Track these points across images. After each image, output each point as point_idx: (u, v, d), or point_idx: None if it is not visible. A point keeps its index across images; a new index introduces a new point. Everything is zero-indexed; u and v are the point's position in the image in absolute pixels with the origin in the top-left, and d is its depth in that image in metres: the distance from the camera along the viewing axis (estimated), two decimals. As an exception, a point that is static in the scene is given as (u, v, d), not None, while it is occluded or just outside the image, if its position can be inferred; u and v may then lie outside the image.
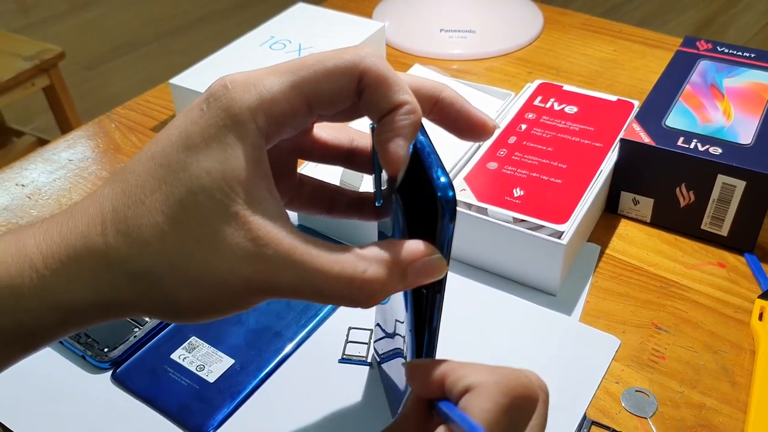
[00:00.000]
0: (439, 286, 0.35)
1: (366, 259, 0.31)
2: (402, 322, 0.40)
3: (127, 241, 0.31)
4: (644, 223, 0.64)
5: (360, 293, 0.31)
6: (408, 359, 0.39)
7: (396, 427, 0.33)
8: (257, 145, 0.31)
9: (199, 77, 0.73)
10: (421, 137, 0.34)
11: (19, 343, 0.33)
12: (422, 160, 0.34)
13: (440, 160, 0.34)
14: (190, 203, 0.30)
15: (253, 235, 0.30)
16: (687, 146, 0.59)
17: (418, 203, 0.35)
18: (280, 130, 0.32)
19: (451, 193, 0.32)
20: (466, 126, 0.35)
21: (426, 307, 0.36)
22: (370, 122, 0.35)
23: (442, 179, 0.32)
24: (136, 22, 2.87)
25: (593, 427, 0.48)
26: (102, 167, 0.73)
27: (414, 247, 0.32)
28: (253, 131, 0.31)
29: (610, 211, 0.65)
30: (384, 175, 0.38)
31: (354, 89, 0.33)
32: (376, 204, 0.41)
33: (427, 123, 0.36)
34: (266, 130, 0.31)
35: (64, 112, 1.77)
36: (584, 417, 0.48)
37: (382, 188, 0.39)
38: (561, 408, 0.49)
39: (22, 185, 0.71)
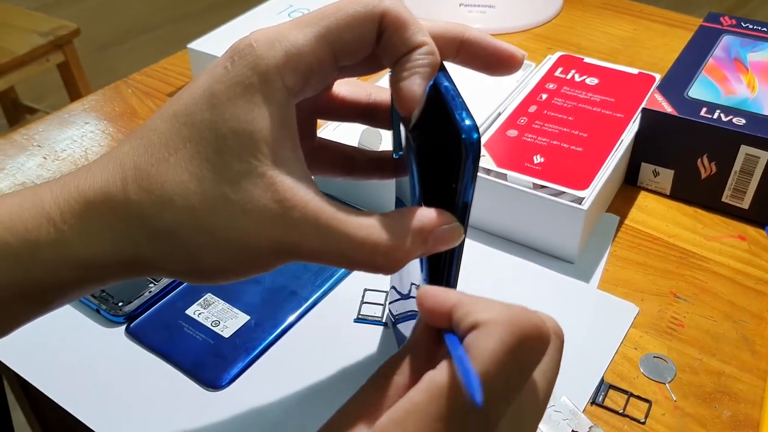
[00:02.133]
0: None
1: (390, 227, 0.31)
2: (417, 285, 0.40)
3: (149, 198, 0.30)
4: (664, 195, 0.63)
5: (384, 260, 0.31)
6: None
7: (404, 353, 0.32)
8: (284, 104, 0.31)
9: (217, 42, 0.73)
10: (446, 83, 0.34)
11: (35, 300, 0.32)
12: (446, 103, 0.33)
13: (466, 104, 0.33)
14: (216, 163, 0.30)
15: (279, 196, 0.30)
16: (710, 116, 0.58)
17: (439, 149, 0.34)
18: (306, 86, 0.32)
19: (476, 135, 0.31)
20: (495, 61, 0.34)
21: (444, 260, 0.35)
22: (390, 72, 0.34)
23: (467, 121, 0.31)
24: (150, 6, 2.88)
25: (611, 391, 0.47)
26: (118, 130, 0.73)
27: (435, 215, 0.32)
28: (280, 89, 0.30)
29: (629, 183, 0.64)
30: (404, 130, 0.37)
31: (375, 33, 0.32)
32: (394, 156, 0.40)
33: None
34: (293, 87, 0.31)
35: (78, 89, 1.78)
36: (602, 381, 0.48)
37: (402, 142, 0.38)
38: (579, 371, 0.48)
39: (39, 146, 0.71)
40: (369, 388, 0.30)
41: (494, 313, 0.28)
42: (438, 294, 0.30)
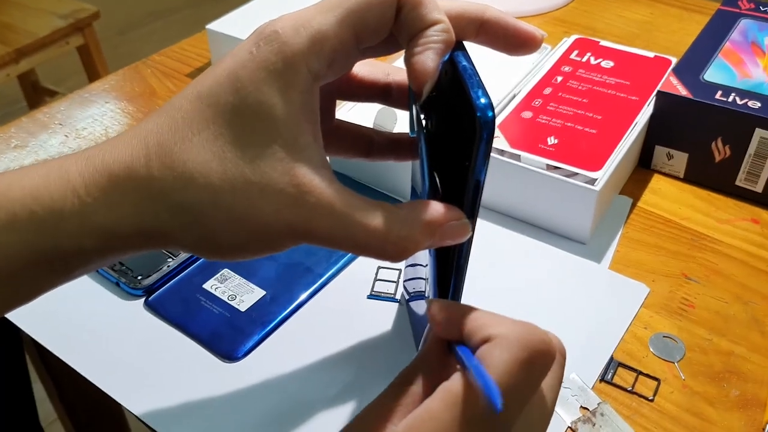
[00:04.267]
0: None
1: (401, 217, 0.32)
2: (425, 266, 0.40)
3: (172, 175, 0.31)
4: (677, 178, 0.63)
5: (393, 249, 0.32)
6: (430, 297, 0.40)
7: (417, 363, 0.34)
8: (308, 90, 0.31)
9: (236, 23, 0.74)
10: (464, 62, 0.34)
11: (57, 268, 0.33)
12: (463, 81, 0.33)
13: (482, 83, 0.33)
14: (238, 145, 0.31)
15: (297, 181, 0.31)
16: (725, 99, 0.58)
17: (455, 128, 0.35)
18: (330, 70, 0.32)
19: (490, 114, 0.31)
20: (515, 41, 0.35)
21: (453, 252, 0.36)
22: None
23: (483, 99, 0.31)
24: (169, -11, 2.88)
25: (620, 369, 0.48)
26: (138, 109, 0.74)
27: (445, 210, 0.33)
28: (304, 75, 0.31)
29: (643, 167, 0.65)
30: (416, 108, 0.38)
31: (394, 12, 0.33)
32: (411, 135, 0.41)
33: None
34: (318, 72, 0.32)
35: (98, 72, 1.79)
36: (611, 359, 0.48)
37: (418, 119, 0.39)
38: (589, 349, 0.49)
39: (60, 124, 0.72)
40: (386, 395, 0.32)
41: (506, 328, 0.30)
42: (450, 308, 0.33)
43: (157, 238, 0.32)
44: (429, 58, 0.32)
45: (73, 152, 0.33)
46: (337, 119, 0.41)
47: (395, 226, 0.32)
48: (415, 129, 0.38)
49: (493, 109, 0.31)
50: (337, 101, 0.41)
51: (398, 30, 0.33)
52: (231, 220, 0.31)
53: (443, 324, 0.33)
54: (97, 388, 0.47)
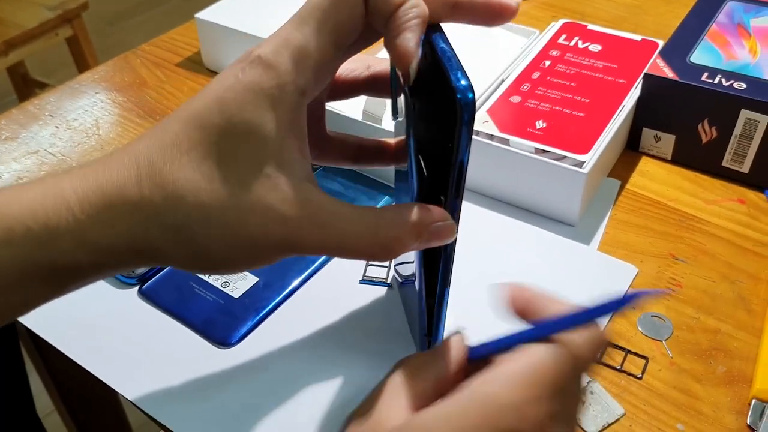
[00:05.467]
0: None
1: (387, 219, 0.33)
2: (411, 262, 0.41)
3: (162, 194, 0.32)
4: (665, 160, 0.64)
5: (381, 251, 0.33)
6: (416, 284, 0.40)
7: (430, 363, 0.35)
8: (295, 108, 0.32)
9: (225, 12, 0.74)
10: (442, 44, 0.34)
11: (52, 282, 0.34)
12: (442, 64, 0.33)
13: (461, 64, 0.33)
14: (226, 164, 0.32)
15: (284, 197, 0.32)
16: (711, 81, 0.59)
17: (437, 111, 0.35)
18: (317, 83, 0.33)
19: (471, 95, 0.32)
20: (490, 14, 0.35)
21: (438, 255, 0.37)
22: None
23: (462, 81, 0.32)
24: (158, -22, 2.86)
25: (609, 348, 0.48)
26: (128, 99, 0.74)
27: (431, 211, 0.34)
28: (291, 93, 0.32)
29: (631, 149, 0.65)
30: (403, 94, 0.38)
31: (363, 4, 0.33)
32: (392, 120, 0.41)
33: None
34: (305, 88, 0.33)
35: (87, 63, 1.79)
36: (600, 338, 0.49)
37: (400, 105, 0.39)
38: (577, 329, 0.49)
39: (51, 116, 0.72)
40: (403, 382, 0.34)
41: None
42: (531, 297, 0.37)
43: (150, 254, 0.33)
44: (407, 38, 0.32)
45: (68, 168, 0.34)
46: (328, 130, 0.42)
47: (382, 228, 0.33)
48: (398, 113, 0.39)
49: (473, 91, 0.32)
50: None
51: (372, 18, 0.34)
52: (222, 237, 0.32)
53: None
54: (94, 379, 0.48)
